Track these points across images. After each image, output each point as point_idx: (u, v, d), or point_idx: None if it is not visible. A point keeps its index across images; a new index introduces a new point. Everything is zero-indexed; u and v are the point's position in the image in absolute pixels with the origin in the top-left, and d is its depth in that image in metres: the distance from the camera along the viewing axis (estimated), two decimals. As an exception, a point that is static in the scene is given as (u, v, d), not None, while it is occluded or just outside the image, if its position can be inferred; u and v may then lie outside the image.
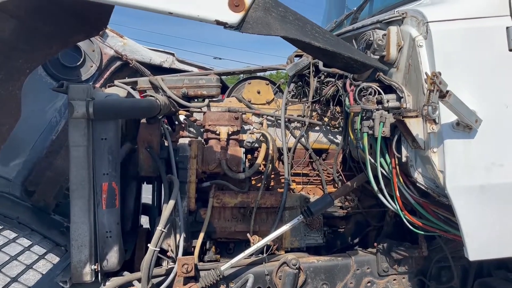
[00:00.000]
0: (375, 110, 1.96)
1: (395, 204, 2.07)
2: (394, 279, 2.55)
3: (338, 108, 2.81)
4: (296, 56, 2.94)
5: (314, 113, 2.88)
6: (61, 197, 3.66)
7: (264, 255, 2.47)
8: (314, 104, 2.85)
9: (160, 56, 3.93)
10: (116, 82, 2.73)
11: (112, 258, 2.30)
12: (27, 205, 3.48)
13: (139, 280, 2.32)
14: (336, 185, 2.91)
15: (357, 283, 2.53)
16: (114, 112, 2.20)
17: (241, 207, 2.65)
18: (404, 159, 1.94)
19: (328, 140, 2.91)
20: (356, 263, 2.53)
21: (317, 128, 2.90)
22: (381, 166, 2.06)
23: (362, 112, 2.02)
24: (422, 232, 2.14)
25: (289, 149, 2.82)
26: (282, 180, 2.92)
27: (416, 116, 1.82)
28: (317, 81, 2.79)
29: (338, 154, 2.81)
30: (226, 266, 2.30)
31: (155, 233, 2.17)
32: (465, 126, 1.76)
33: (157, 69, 3.64)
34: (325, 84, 2.79)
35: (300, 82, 3.03)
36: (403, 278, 2.57)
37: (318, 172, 2.93)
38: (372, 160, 2.07)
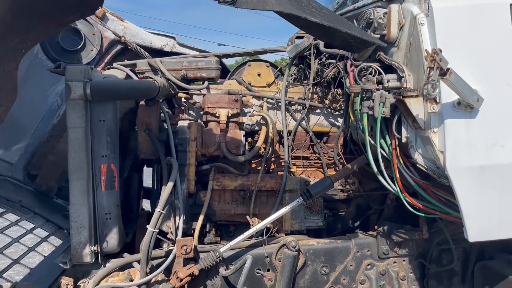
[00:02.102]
0: (375, 90, 1.93)
1: (395, 186, 2.05)
2: (394, 262, 2.55)
3: (339, 91, 2.78)
4: (297, 37, 2.89)
5: (315, 96, 2.84)
6: (63, 181, 3.68)
7: (264, 237, 2.47)
8: (315, 87, 2.82)
9: (161, 39, 3.89)
10: (115, 64, 2.70)
11: (112, 239, 2.31)
12: (30, 189, 3.50)
13: (138, 261, 2.33)
14: (337, 168, 2.89)
15: (357, 265, 2.53)
16: (111, 93, 2.18)
17: (241, 189, 2.64)
18: (404, 140, 1.92)
19: (329, 123, 2.89)
20: (356, 245, 2.52)
21: (317, 111, 2.87)
22: (381, 147, 2.04)
23: (362, 93, 1.98)
24: (423, 215, 2.12)
25: (289, 132, 2.79)
26: (282, 163, 2.90)
27: (417, 96, 1.79)
28: (318, 63, 2.75)
29: (339, 137, 2.78)
30: (225, 248, 2.30)
31: (154, 215, 2.17)
32: (466, 106, 1.73)
33: (158, 53, 3.61)
34: (326, 66, 2.76)
35: (301, 65, 2.99)
36: (403, 260, 2.56)
37: (318, 155, 2.91)
38: (372, 142, 2.05)
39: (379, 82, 1.93)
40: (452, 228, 2.38)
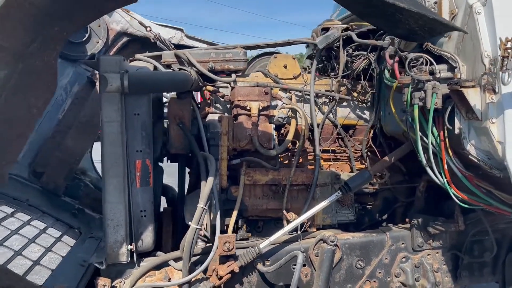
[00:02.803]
0: (426, 81, 1.90)
1: (443, 178, 2.03)
2: (428, 254, 2.54)
3: (367, 83, 2.75)
4: (323, 29, 2.84)
5: (341, 88, 2.81)
6: (71, 179, 3.55)
7: (298, 232, 2.42)
8: (342, 79, 2.78)
9: (168, 32, 3.79)
10: (138, 56, 2.60)
11: (147, 238, 2.23)
12: (37, 187, 3.37)
13: (175, 259, 2.26)
14: (364, 161, 2.87)
15: (392, 258, 2.51)
16: (149, 85, 2.09)
17: (272, 184, 2.58)
18: (457, 131, 1.89)
19: (356, 116, 2.86)
20: (391, 238, 2.51)
21: (344, 103, 2.83)
22: (427, 139, 2.01)
23: (412, 84, 1.95)
24: (467, 206, 2.11)
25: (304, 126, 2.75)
26: (310, 157, 2.86)
27: (473, 86, 1.76)
28: (346, 55, 2.72)
29: (369, 129, 2.75)
30: (265, 243, 2.24)
31: (197, 211, 2.09)
32: (527, 96, 1.72)
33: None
34: (354, 57, 2.72)
35: (323, 57, 2.95)
36: (437, 253, 2.56)
37: (344, 149, 2.88)
38: (415, 134, 2.02)
39: (431, 73, 1.90)
40: (490, 219, 2.38)
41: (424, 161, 2.02)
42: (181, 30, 3.91)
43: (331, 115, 2.80)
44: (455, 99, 1.84)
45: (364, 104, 2.83)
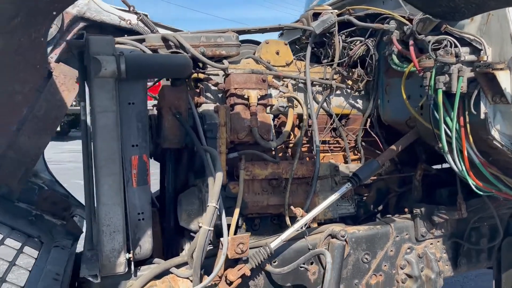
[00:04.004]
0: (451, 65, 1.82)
1: (461, 165, 1.98)
2: (431, 243, 2.51)
3: (361, 70, 2.66)
4: (314, 14, 2.70)
5: (335, 76, 2.69)
6: (26, 182, 3.15)
7: (303, 228, 2.27)
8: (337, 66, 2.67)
9: (131, 17, 3.48)
10: (120, 39, 2.29)
11: (146, 243, 1.97)
12: (-14, 193, 2.95)
13: (176, 266, 2.02)
14: (357, 151, 2.79)
15: (397, 250, 2.45)
16: (148, 69, 1.83)
17: (271, 178, 2.41)
18: (482, 116, 1.84)
19: (350, 105, 2.76)
20: (396, 230, 2.44)
21: (338, 92, 2.72)
22: (446, 125, 1.95)
23: (437, 67, 1.86)
24: (481, 193, 2.08)
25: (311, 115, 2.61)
26: (303, 149, 2.72)
27: (502, 69, 1.71)
28: (342, 41, 2.60)
29: (367, 119, 2.66)
30: (276, 242, 2.07)
31: (208, 211, 1.86)
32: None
33: (127, 32, 3.21)
34: (349, 43, 2.62)
35: (316, 43, 2.81)
36: (438, 241, 2.53)
37: (338, 139, 2.77)
38: (439, 120, 1.94)
39: (456, 56, 1.82)
40: (495, 205, 2.38)
41: (446, 148, 1.94)
42: (146, 15, 3.60)
43: (325, 104, 2.68)
44: (482, 83, 1.78)
45: (357, 93, 2.74)
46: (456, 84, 1.80)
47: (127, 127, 1.87)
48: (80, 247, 3.00)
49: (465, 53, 1.85)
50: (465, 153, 1.95)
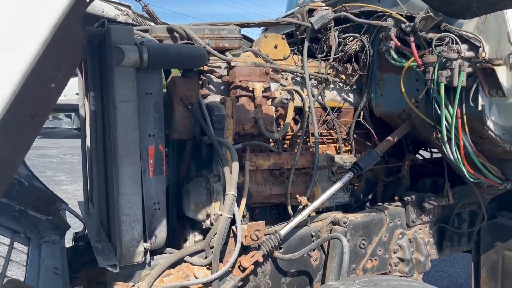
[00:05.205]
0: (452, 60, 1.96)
1: (457, 155, 2.14)
2: (420, 229, 2.67)
3: (356, 65, 2.78)
4: (310, 10, 2.79)
5: (329, 70, 2.79)
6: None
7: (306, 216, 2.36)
8: (332, 61, 2.77)
9: (114, 8, 3.43)
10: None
11: (161, 233, 1.98)
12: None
13: (190, 255, 2.05)
14: (348, 143, 2.91)
15: (390, 235, 2.59)
16: (169, 59, 1.84)
17: (273, 169, 2.48)
18: (479, 108, 2.00)
19: (342, 98, 2.87)
20: (389, 216, 2.58)
21: (331, 86, 2.83)
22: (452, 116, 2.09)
23: (439, 62, 2.00)
24: (473, 180, 2.25)
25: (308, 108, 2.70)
26: (297, 141, 2.81)
27: (500, 65, 1.87)
28: (338, 37, 2.71)
29: (360, 112, 2.78)
30: (286, 229, 2.15)
31: (227, 199, 1.90)
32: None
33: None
34: (343, 39, 2.73)
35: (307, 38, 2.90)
36: (426, 227, 2.70)
37: (331, 131, 2.89)
38: (440, 111, 2.09)
39: (457, 52, 1.97)
40: (479, 191, 2.57)
41: (445, 138, 2.09)
42: (129, 7, 3.55)
43: (320, 97, 2.78)
44: (481, 77, 1.93)
45: (350, 87, 2.86)
46: (458, 78, 1.95)
47: (144, 117, 1.88)
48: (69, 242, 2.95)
49: (464, 49, 2.00)
50: (461, 143, 2.10)
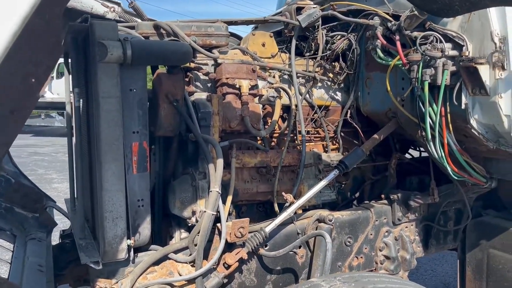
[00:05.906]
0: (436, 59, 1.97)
1: (441, 152, 2.15)
2: (406, 227, 2.69)
3: (343, 64, 2.78)
4: (298, 8, 2.79)
5: (317, 69, 2.80)
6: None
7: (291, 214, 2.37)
8: (319, 60, 2.78)
9: (104, 5, 3.42)
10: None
11: (145, 230, 1.98)
12: None
13: (175, 252, 2.04)
14: (336, 142, 2.92)
15: (376, 233, 2.60)
16: (154, 56, 1.83)
17: (260, 166, 2.48)
18: (463, 106, 2.01)
19: (329, 97, 2.88)
20: (375, 214, 2.59)
21: (319, 84, 2.84)
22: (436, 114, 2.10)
23: (423, 60, 2.01)
24: (457, 178, 2.27)
25: (295, 106, 2.71)
26: (284, 139, 2.81)
27: (483, 63, 1.89)
28: (325, 35, 2.72)
29: (347, 110, 2.79)
30: (271, 226, 2.15)
31: (211, 196, 1.90)
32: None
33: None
34: (332, 38, 2.74)
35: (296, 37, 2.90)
36: (411, 225, 2.72)
37: (318, 129, 2.89)
38: (424, 109, 2.10)
39: (441, 51, 1.98)
40: (464, 189, 2.59)
41: (429, 136, 2.11)
42: (118, 4, 3.54)
43: (307, 96, 2.78)
44: (464, 76, 1.95)
45: (336, 85, 2.87)
46: (441, 77, 1.96)
47: (128, 113, 1.87)
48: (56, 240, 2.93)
49: (448, 48, 2.01)
50: (445, 141, 2.12)
